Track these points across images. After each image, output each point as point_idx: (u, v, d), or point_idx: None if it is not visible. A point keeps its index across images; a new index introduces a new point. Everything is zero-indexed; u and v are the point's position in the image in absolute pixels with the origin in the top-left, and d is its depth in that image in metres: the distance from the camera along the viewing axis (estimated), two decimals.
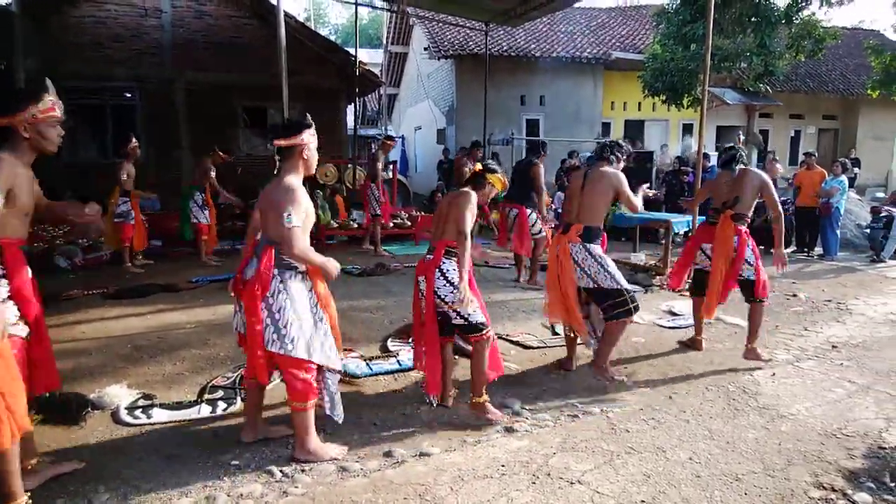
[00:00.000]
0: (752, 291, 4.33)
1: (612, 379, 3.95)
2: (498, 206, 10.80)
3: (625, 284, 3.90)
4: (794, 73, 16.09)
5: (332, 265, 2.86)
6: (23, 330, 2.44)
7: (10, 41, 9.30)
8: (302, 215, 2.71)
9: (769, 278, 4.47)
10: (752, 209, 4.45)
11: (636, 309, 3.92)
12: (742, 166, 4.47)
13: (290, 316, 2.72)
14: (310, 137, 2.85)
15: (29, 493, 2.35)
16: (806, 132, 18.28)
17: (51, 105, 2.47)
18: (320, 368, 2.87)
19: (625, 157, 4.15)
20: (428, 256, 3.40)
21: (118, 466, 2.81)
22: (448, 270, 3.30)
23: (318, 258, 2.79)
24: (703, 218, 7.06)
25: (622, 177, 3.97)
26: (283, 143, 2.80)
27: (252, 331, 2.74)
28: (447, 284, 3.28)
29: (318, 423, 2.94)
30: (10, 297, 2.38)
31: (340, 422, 3.01)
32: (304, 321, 2.76)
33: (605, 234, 4.06)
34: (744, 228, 4.35)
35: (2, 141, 2.42)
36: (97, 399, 3.43)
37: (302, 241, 2.69)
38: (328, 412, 2.95)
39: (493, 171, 3.53)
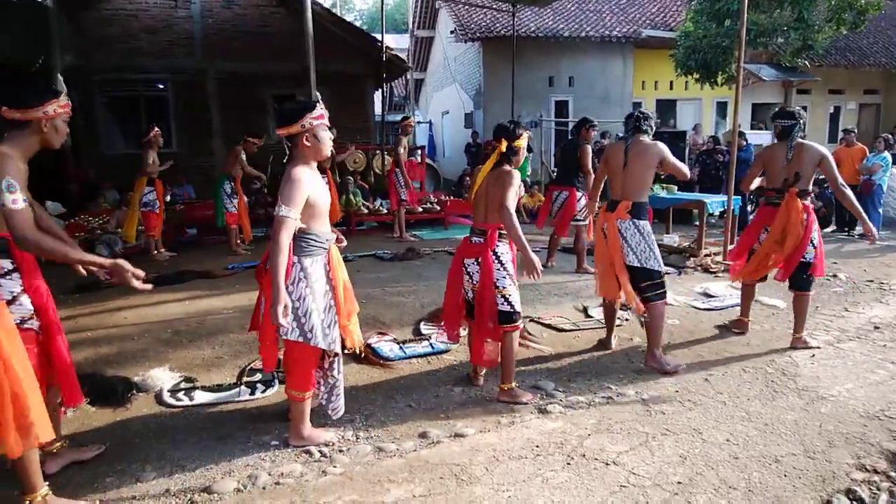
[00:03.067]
0: (802, 273, 4.13)
1: (672, 369, 3.78)
2: (533, 189, 10.65)
3: (663, 267, 3.87)
4: (833, 46, 15.46)
5: (282, 299, 2.53)
6: (34, 323, 2.41)
7: (46, 37, 9.52)
8: (298, 205, 2.59)
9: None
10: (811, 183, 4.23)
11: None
12: (799, 140, 4.16)
13: (311, 305, 2.70)
14: (313, 121, 2.70)
15: (48, 483, 2.35)
16: (846, 108, 17.64)
17: (67, 101, 2.47)
18: (325, 356, 2.87)
19: (654, 125, 4.03)
20: (476, 239, 3.35)
21: (163, 447, 2.90)
22: (502, 254, 3.29)
23: (280, 276, 2.52)
24: (737, 199, 6.89)
25: (663, 146, 3.87)
26: (283, 132, 2.70)
27: (268, 319, 2.67)
28: (501, 269, 3.27)
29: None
30: (24, 291, 2.37)
31: (335, 417, 2.97)
32: (321, 308, 2.74)
33: (651, 209, 3.96)
34: (809, 205, 4.15)
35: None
36: (141, 382, 3.55)
37: (283, 236, 2.53)
38: (322, 402, 2.94)
39: (517, 137, 3.31)
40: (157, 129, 7.25)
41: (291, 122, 2.68)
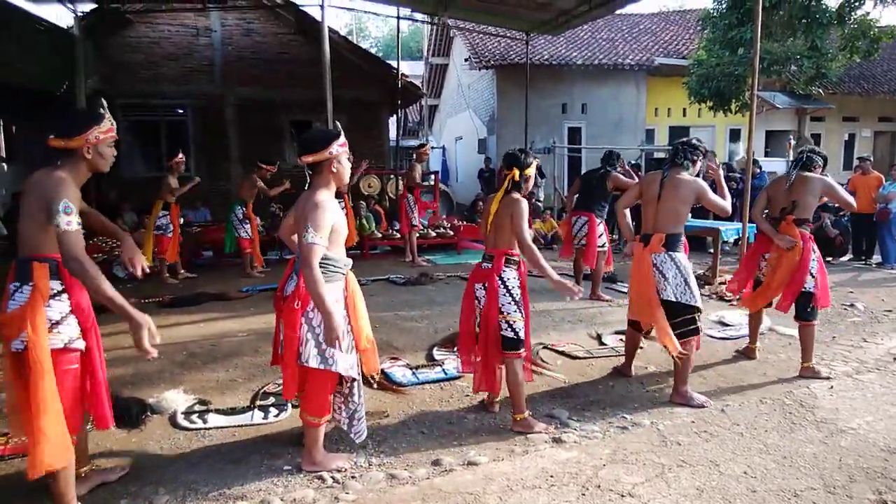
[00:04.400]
0: (806, 303, 4.15)
1: (698, 405, 3.69)
2: (546, 214, 10.65)
3: (700, 301, 3.74)
4: (846, 74, 15.49)
5: (336, 323, 2.58)
6: (81, 343, 2.44)
7: (71, 62, 9.81)
8: (326, 232, 2.63)
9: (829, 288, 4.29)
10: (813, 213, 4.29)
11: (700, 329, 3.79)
12: (804, 172, 4.21)
13: None
14: (339, 149, 2.76)
15: None
16: (860, 135, 17.58)
17: (110, 125, 2.51)
18: (343, 381, 2.86)
19: (701, 157, 3.88)
20: (486, 265, 3.37)
21: (176, 469, 2.91)
22: (508, 279, 3.29)
23: (326, 302, 2.56)
24: (752, 227, 6.85)
25: (702, 183, 3.77)
26: (310, 158, 2.72)
27: (288, 345, 2.70)
28: (507, 294, 3.27)
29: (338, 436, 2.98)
30: (71, 312, 2.39)
31: (359, 441, 2.97)
32: (341, 334, 2.71)
33: (686, 241, 3.87)
34: (808, 234, 4.17)
35: (54, 161, 2.42)
36: (156, 404, 3.57)
37: (316, 263, 2.56)
38: (344, 427, 2.93)
39: (527, 165, 3.35)
40: (181, 155, 7.42)
41: (321, 149, 2.73)
